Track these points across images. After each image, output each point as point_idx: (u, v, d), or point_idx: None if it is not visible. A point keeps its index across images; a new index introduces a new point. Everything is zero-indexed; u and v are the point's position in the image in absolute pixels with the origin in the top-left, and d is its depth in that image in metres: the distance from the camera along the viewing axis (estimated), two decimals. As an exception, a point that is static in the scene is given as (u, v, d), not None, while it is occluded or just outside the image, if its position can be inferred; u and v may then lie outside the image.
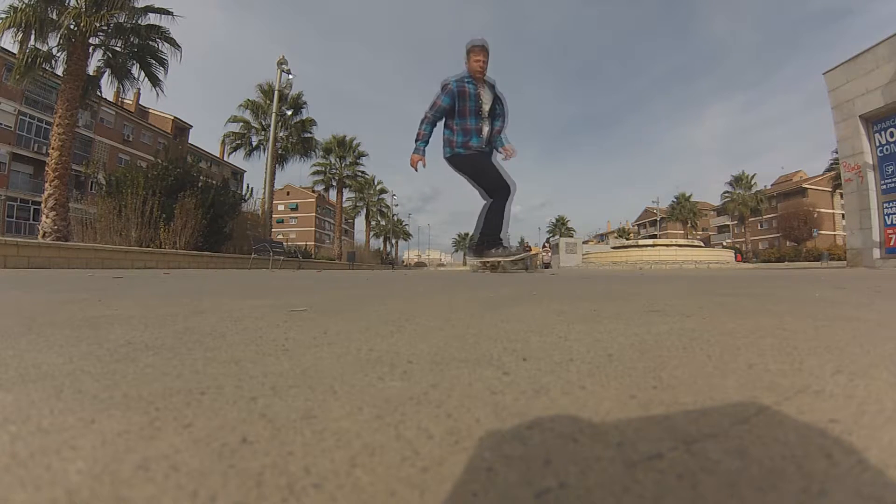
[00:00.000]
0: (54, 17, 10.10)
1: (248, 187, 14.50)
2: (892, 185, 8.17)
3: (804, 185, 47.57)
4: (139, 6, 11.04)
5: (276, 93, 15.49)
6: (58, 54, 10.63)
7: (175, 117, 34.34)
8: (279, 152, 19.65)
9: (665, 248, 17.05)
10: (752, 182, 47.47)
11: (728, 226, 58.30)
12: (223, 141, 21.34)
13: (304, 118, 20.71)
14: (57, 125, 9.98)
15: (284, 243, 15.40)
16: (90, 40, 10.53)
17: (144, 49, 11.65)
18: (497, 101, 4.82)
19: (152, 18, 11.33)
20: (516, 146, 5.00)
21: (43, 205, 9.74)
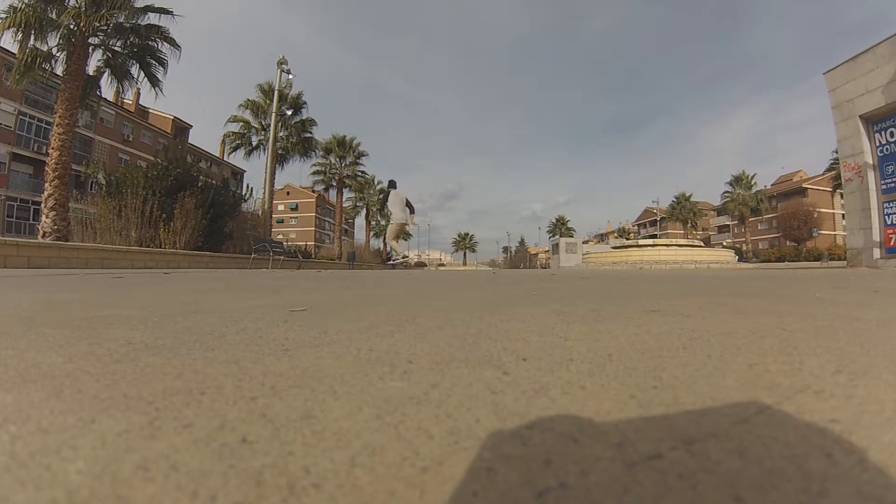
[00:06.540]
0: (54, 16, 10.09)
1: (248, 187, 14.49)
2: (893, 184, 8.17)
3: (804, 185, 47.61)
4: (139, 6, 11.03)
5: (275, 93, 15.49)
6: (57, 54, 10.62)
7: (175, 117, 34.34)
8: (279, 152, 19.65)
9: (665, 248, 17.04)
10: (753, 182, 47.51)
11: (728, 226, 58.33)
12: (223, 141, 21.32)
13: (303, 118, 20.71)
14: (57, 125, 9.97)
15: (284, 243, 15.39)
16: (90, 40, 10.53)
17: (144, 49, 11.64)
18: None
19: (152, 18, 11.33)
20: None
21: (43, 205, 9.73)
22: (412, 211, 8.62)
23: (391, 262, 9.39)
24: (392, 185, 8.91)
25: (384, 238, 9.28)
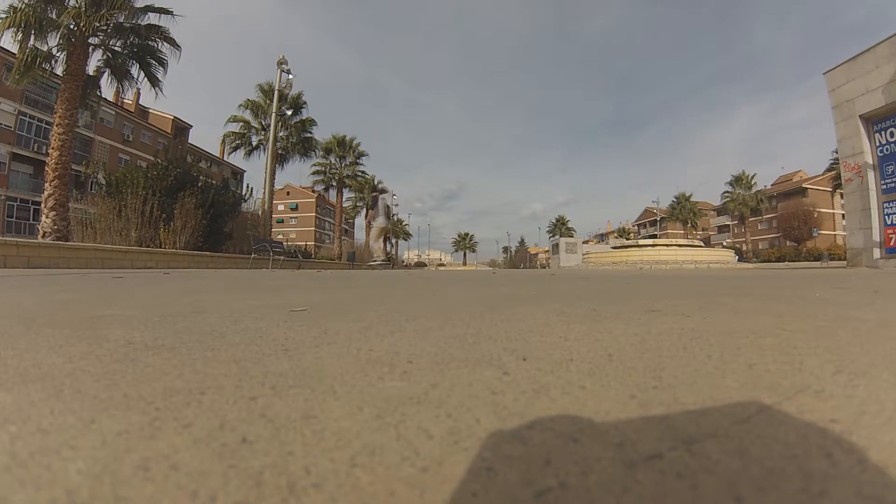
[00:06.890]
0: (54, 16, 10.10)
1: (248, 187, 14.48)
2: (892, 184, 8.16)
3: (804, 185, 47.56)
4: (139, 6, 11.03)
5: (276, 93, 15.48)
6: (57, 54, 10.62)
7: (175, 117, 34.35)
8: (279, 152, 19.65)
9: (665, 248, 17.04)
10: (753, 182, 47.47)
11: (728, 225, 58.31)
12: (223, 141, 21.31)
13: (304, 118, 20.71)
14: (57, 125, 9.97)
15: (284, 243, 15.39)
16: (90, 40, 10.53)
17: (144, 49, 11.64)
18: None
19: (152, 18, 11.33)
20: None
21: (43, 205, 9.73)
22: (388, 216, 10.28)
23: (371, 262, 10.66)
24: (376, 189, 10.34)
25: (383, 239, 9.92)
